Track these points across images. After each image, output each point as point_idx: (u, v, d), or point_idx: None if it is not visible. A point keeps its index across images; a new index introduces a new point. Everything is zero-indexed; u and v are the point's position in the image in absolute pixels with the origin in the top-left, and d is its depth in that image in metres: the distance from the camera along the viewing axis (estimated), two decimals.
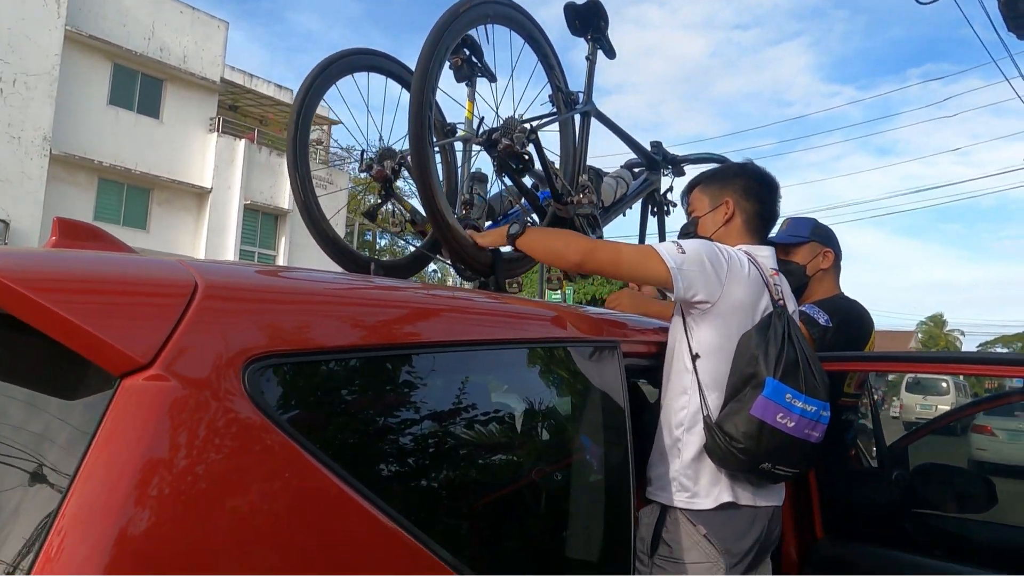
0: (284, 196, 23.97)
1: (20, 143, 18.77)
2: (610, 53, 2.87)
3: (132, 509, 0.91)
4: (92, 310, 0.99)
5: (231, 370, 1.05)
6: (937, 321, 58.87)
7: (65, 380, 1.04)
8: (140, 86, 21.51)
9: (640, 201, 3.40)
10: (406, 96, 2.12)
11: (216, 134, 22.88)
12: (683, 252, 1.94)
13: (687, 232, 2.36)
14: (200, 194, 22.66)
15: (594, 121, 2.84)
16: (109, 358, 0.97)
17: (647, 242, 3.42)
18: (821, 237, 2.75)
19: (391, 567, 1.15)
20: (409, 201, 2.94)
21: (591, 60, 2.83)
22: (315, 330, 1.20)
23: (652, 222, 3.54)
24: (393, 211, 2.97)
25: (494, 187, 2.98)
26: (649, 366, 2.07)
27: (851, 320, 2.59)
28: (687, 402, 1.94)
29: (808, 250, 2.74)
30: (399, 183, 2.87)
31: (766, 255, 2.14)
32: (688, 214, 2.37)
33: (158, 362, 0.99)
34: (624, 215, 3.37)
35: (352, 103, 2.66)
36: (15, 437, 1.02)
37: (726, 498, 1.89)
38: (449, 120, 2.96)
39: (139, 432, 0.95)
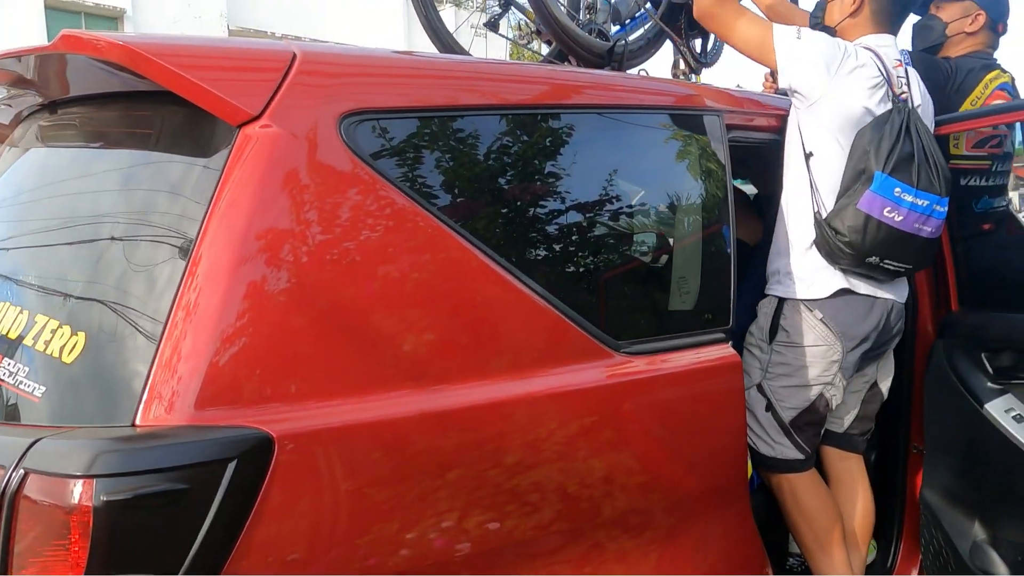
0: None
1: (202, 22, 20.07)
2: None
3: (254, 237, 1.15)
4: (212, 74, 1.20)
5: (329, 122, 1.25)
6: None
7: (195, 139, 1.27)
8: None
9: None
10: None
11: None
12: (799, 39, 1.92)
13: (816, 20, 2.23)
14: None
15: None
16: (226, 111, 1.18)
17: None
18: None
19: (463, 277, 1.35)
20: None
21: None
22: (402, 92, 1.37)
23: None
24: (519, 24, 3.02)
25: None
26: (757, 140, 2.06)
27: (939, 76, 2.40)
28: (800, 199, 1.97)
29: (959, 8, 2.53)
30: None
31: (888, 44, 2.03)
32: None
33: (266, 114, 1.20)
34: None
35: None
36: (162, 183, 1.28)
37: (840, 285, 1.93)
38: None
39: (257, 168, 1.18)
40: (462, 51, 2.78)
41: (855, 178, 1.87)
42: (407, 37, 23.33)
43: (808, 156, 1.94)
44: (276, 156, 1.19)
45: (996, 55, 2.60)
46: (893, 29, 2.09)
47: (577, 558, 1.44)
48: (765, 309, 2.03)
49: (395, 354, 1.24)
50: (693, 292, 1.76)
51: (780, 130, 2.08)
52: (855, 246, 1.84)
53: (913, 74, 2.06)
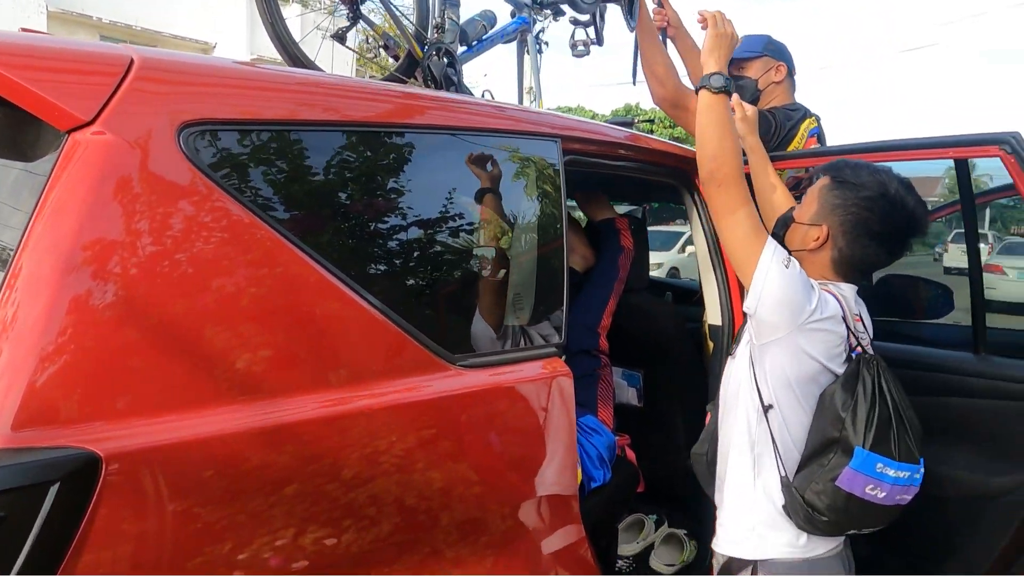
0: None
1: (17, 4, 18.34)
2: None
3: (81, 248, 1.11)
4: (39, 75, 1.14)
5: (167, 132, 1.22)
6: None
7: (18, 144, 1.21)
8: None
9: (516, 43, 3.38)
10: None
11: None
12: (787, 267, 1.73)
13: (784, 223, 1.95)
14: (204, 49, 22.20)
15: None
16: (55, 115, 1.13)
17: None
18: (773, 52, 2.81)
19: (292, 284, 1.35)
20: (382, 26, 2.99)
21: None
22: (245, 104, 1.36)
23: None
24: (367, 39, 3.02)
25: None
26: (591, 161, 2.19)
27: (767, 130, 2.57)
28: (758, 456, 1.81)
29: (761, 65, 2.81)
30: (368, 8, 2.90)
31: (849, 295, 1.86)
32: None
33: (99, 120, 1.15)
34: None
35: None
36: None
37: (816, 550, 1.78)
38: None
39: (87, 175, 1.13)
40: (308, 61, 2.75)
41: (826, 446, 1.72)
42: (250, 32, 22.43)
43: (767, 408, 1.78)
44: (109, 164, 1.15)
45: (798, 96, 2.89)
46: (855, 281, 1.90)
47: (415, 566, 1.47)
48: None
49: (229, 368, 1.23)
50: (528, 308, 1.85)
51: (616, 156, 2.21)
52: (836, 524, 1.72)
53: (867, 319, 1.92)
